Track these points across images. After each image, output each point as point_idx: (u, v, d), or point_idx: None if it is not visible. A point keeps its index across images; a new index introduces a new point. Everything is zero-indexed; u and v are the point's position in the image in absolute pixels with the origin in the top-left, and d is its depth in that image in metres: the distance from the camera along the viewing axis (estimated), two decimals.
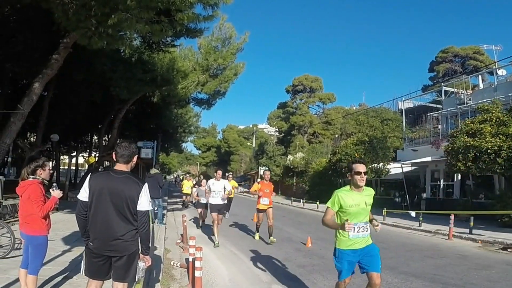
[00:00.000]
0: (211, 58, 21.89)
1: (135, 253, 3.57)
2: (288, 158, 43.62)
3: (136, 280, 3.69)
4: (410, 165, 24.40)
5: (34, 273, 4.30)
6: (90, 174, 3.89)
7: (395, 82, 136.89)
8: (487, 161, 14.11)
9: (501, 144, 13.77)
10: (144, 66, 18.77)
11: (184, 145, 64.16)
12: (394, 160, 27.86)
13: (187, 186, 22.38)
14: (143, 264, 3.63)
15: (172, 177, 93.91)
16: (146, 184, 3.60)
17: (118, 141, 31.98)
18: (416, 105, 37.46)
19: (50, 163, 37.33)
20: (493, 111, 15.80)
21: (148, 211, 3.56)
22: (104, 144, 28.93)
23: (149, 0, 9.39)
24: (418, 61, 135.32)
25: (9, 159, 27.82)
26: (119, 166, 3.60)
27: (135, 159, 3.69)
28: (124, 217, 3.46)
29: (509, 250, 10.37)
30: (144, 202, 3.52)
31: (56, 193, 4.54)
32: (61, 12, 10.12)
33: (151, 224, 11.59)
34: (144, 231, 3.53)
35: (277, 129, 58.28)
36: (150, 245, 3.68)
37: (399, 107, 37.78)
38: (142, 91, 19.97)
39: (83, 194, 3.51)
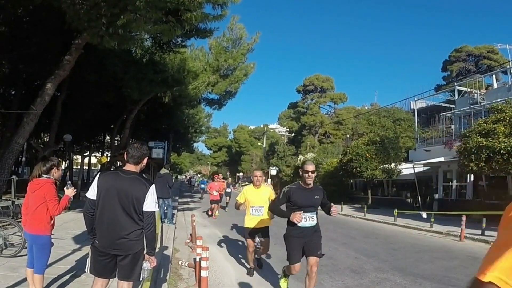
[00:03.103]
0: (221, 58, 21.94)
1: (140, 252, 3.60)
2: (298, 158, 43.53)
3: (141, 279, 3.71)
4: (422, 165, 24.14)
5: (41, 272, 4.32)
6: (99, 173, 3.93)
7: (407, 81, 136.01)
8: (500, 162, 13.89)
9: None
10: (155, 66, 18.92)
11: (195, 145, 64.36)
12: (406, 160, 27.63)
13: (257, 204, 7.02)
14: (148, 264, 3.64)
15: (184, 177, 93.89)
16: (153, 185, 3.63)
17: (130, 142, 32.28)
18: (429, 104, 37.01)
19: (63, 163, 37.88)
20: (507, 111, 15.52)
21: (154, 212, 3.59)
22: (116, 144, 29.18)
23: (158, 0, 9.46)
24: (431, 60, 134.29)
25: (23, 159, 28.32)
26: (129, 167, 3.65)
27: (145, 160, 3.73)
28: (130, 216, 3.50)
29: None
30: (151, 203, 3.55)
31: (69, 191, 4.58)
32: (72, 12, 10.27)
33: (160, 224, 11.67)
34: (150, 231, 3.56)
35: (287, 129, 58.19)
36: (155, 246, 3.70)
37: (412, 107, 37.41)
38: (153, 91, 20.11)
39: (91, 192, 3.56)
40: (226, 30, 22.04)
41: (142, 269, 3.61)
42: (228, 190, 21.18)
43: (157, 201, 3.66)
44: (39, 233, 4.30)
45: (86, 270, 3.68)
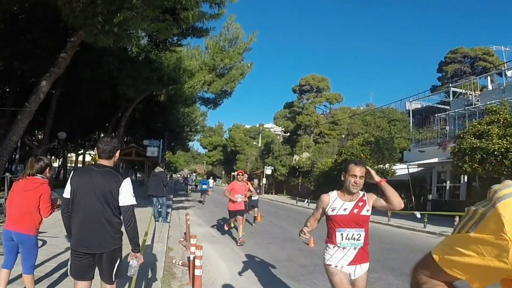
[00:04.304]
0: (218, 57, 21.95)
1: (116, 252, 3.46)
2: (294, 158, 43.60)
3: (116, 278, 3.55)
4: (416, 166, 24.26)
5: (31, 272, 4.20)
6: (73, 171, 3.80)
7: (403, 82, 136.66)
8: (493, 163, 14.01)
9: (508, 146, 13.67)
10: (151, 65, 18.89)
11: (190, 144, 64.48)
12: (401, 161, 27.71)
13: None
14: (135, 261, 3.52)
15: (179, 175, 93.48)
16: (127, 179, 3.48)
17: (124, 139, 32.16)
18: (424, 106, 37.26)
19: (57, 160, 37.75)
20: (501, 113, 15.65)
21: (132, 206, 3.44)
22: None
23: None
24: (427, 62, 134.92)
25: (17, 156, 28.15)
26: (101, 162, 3.51)
27: (117, 154, 3.58)
28: (104, 212, 3.36)
29: None
30: (126, 197, 3.40)
31: (55, 200, 4.55)
32: (68, 10, 10.24)
33: (160, 222, 11.63)
34: (130, 227, 3.41)
35: (283, 129, 58.28)
36: (139, 242, 3.54)
37: (407, 108, 37.63)
38: (148, 90, 20.08)
39: (66, 191, 3.44)
40: (223, 29, 22.09)
41: (129, 267, 3.50)
42: (255, 197, 14.53)
43: (133, 194, 3.49)
44: (30, 233, 4.15)
45: (68, 273, 3.57)
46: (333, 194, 3.63)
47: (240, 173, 11.39)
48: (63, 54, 12.99)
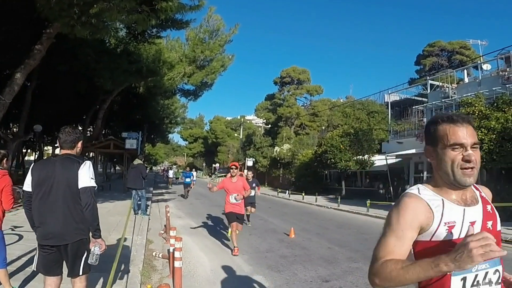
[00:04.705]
0: (198, 49, 21.81)
1: (81, 243, 3.39)
2: (275, 150, 43.73)
3: (83, 273, 3.45)
4: (395, 157, 24.65)
5: (3, 266, 4.15)
6: (33, 163, 3.76)
7: (382, 75, 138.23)
8: None
9: (483, 138, 14.01)
10: (130, 57, 18.60)
11: (170, 136, 63.92)
12: (379, 152, 28.13)
13: None
14: (97, 248, 3.39)
15: (159, 168, 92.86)
16: (87, 162, 3.41)
17: (102, 132, 31.63)
18: (402, 98, 37.83)
19: (33, 154, 36.94)
20: (476, 105, 16.03)
21: (90, 188, 3.34)
22: (88, 135, 28.64)
23: None
24: (406, 55, 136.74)
25: None
26: (64, 152, 3.46)
27: (80, 144, 3.52)
28: (65, 203, 3.30)
29: None
30: (85, 179, 3.32)
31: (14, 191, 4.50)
32: (43, 0, 9.97)
33: (140, 214, 11.52)
34: (88, 210, 3.30)
35: (264, 121, 58.31)
36: (99, 227, 3.43)
37: (386, 100, 38.08)
38: (127, 82, 19.80)
39: (26, 184, 3.39)
40: (203, 21, 21.93)
41: (90, 254, 3.39)
42: (252, 192, 11.82)
43: (92, 177, 3.39)
44: None
45: (33, 268, 3.51)
46: (428, 193, 1.59)
47: (234, 166, 8.57)
48: (39, 46, 12.67)
